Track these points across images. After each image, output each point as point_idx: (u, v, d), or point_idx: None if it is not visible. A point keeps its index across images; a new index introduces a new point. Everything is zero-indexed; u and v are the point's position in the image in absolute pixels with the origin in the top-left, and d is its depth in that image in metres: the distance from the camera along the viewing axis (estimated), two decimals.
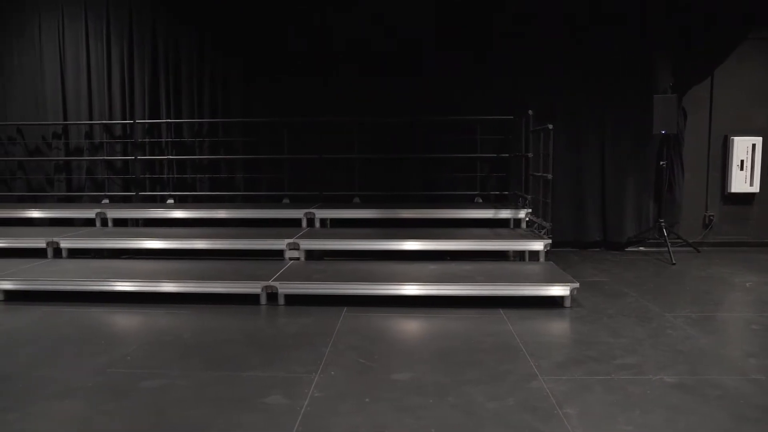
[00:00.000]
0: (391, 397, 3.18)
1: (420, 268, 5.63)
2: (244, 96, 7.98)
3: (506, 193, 7.71)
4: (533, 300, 5.04)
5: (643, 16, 7.38)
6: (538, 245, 6.00)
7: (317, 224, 6.92)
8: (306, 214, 6.92)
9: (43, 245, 6.35)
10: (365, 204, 7.46)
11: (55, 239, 6.33)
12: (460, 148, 7.66)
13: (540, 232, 6.30)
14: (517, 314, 4.75)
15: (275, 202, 7.80)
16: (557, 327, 4.51)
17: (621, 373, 3.51)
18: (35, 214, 7.43)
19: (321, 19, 7.73)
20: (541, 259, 6.00)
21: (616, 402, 3.10)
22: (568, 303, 4.98)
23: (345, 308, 4.92)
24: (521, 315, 4.74)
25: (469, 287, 5.00)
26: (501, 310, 4.85)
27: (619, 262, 6.92)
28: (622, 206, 7.59)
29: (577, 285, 4.98)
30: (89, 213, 7.25)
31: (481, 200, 7.68)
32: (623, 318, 4.66)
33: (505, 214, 6.87)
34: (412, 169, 7.83)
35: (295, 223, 6.97)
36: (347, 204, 7.47)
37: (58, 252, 6.35)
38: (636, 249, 7.69)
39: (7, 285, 5.30)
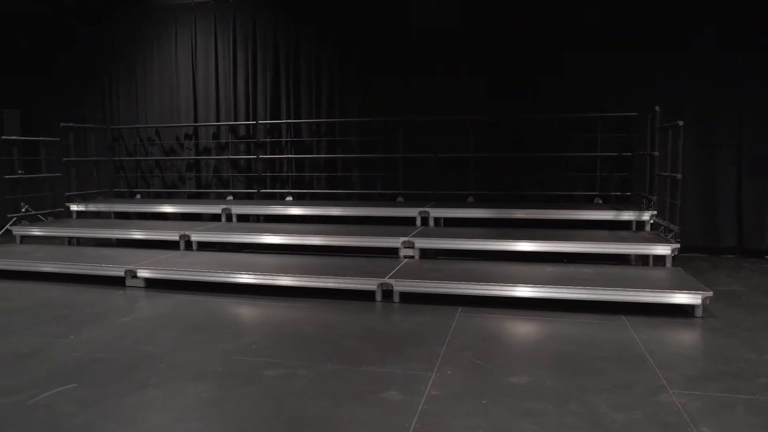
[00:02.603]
0: (509, 401, 3.11)
1: (536, 269, 5.48)
2: (361, 96, 8.17)
3: (628, 194, 7.31)
4: (659, 308, 4.73)
5: None
6: (664, 249, 5.63)
7: (431, 223, 6.94)
8: (420, 212, 6.96)
9: (176, 238, 6.86)
10: (479, 203, 7.38)
11: (187, 233, 6.81)
12: (580, 147, 7.37)
13: (666, 235, 5.91)
14: (642, 322, 4.49)
15: (390, 201, 7.91)
16: (688, 338, 4.21)
17: (767, 393, 3.21)
18: (169, 209, 8.05)
19: (440, 20, 7.72)
20: (668, 264, 5.63)
21: (763, 425, 2.83)
22: (699, 313, 4.62)
23: (459, 308, 4.88)
24: (646, 323, 4.47)
25: (589, 291, 4.79)
26: (624, 317, 4.60)
27: (758, 271, 6.34)
28: (763, 209, 6.94)
29: (710, 293, 4.61)
30: (216, 209, 7.74)
31: (600, 201, 7.34)
32: (766, 333, 4.26)
33: (627, 215, 6.51)
34: (529, 169, 7.64)
35: (409, 221, 7.02)
36: (461, 203, 7.43)
37: (188, 244, 6.82)
38: None
39: (147, 273, 5.78)
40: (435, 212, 6.96)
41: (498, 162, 7.66)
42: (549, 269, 5.49)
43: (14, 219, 8.09)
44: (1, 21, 9.60)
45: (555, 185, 7.54)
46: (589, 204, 7.24)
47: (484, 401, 3.11)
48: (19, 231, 7.62)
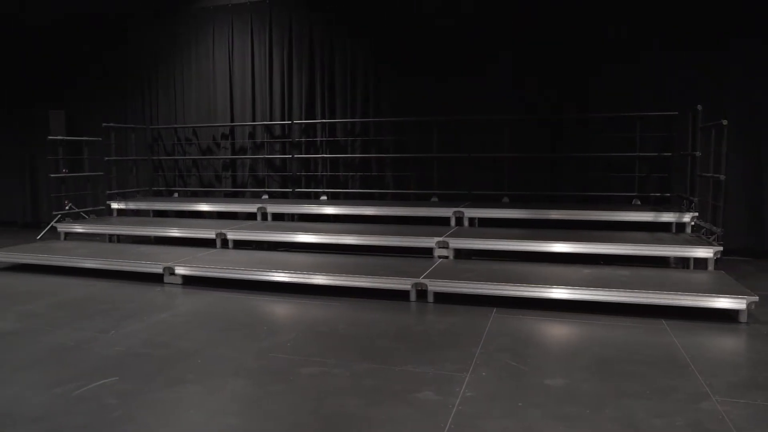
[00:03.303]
0: (545, 404, 3.08)
1: (572, 271, 5.40)
2: (396, 96, 8.16)
3: (668, 195, 7.14)
4: (701, 312, 4.61)
5: None
6: (705, 252, 5.48)
7: (466, 223, 6.91)
8: (455, 212, 6.93)
9: (213, 236, 6.97)
10: (514, 204, 7.30)
11: (223, 231, 6.92)
12: (618, 147, 7.23)
13: (708, 238, 5.76)
14: (683, 326, 4.38)
15: (424, 201, 7.90)
16: (731, 344, 4.09)
17: None
18: (205, 207, 8.18)
19: (473, 20, 7.68)
20: (710, 267, 5.48)
21: None
22: (744, 318, 4.49)
23: (494, 309, 4.85)
24: (687, 327, 4.36)
25: (627, 294, 4.69)
26: (663, 321, 4.50)
27: None
28: None
29: (755, 298, 4.47)
30: (251, 208, 7.83)
31: (639, 202, 7.19)
32: None
33: (666, 217, 6.36)
34: (565, 169, 7.53)
35: (444, 221, 7.00)
36: (496, 203, 7.36)
37: (225, 243, 6.93)
38: None
39: (185, 271, 5.90)
40: (469, 212, 6.92)
41: (534, 162, 7.57)
42: (586, 271, 5.41)
43: (58, 216, 8.34)
44: (46, 25, 9.91)
45: (592, 186, 7.41)
46: (627, 205, 7.09)
47: (520, 404, 3.08)
48: (63, 228, 7.87)
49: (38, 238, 8.55)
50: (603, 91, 7.27)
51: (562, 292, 4.84)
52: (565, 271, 5.40)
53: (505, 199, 7.55)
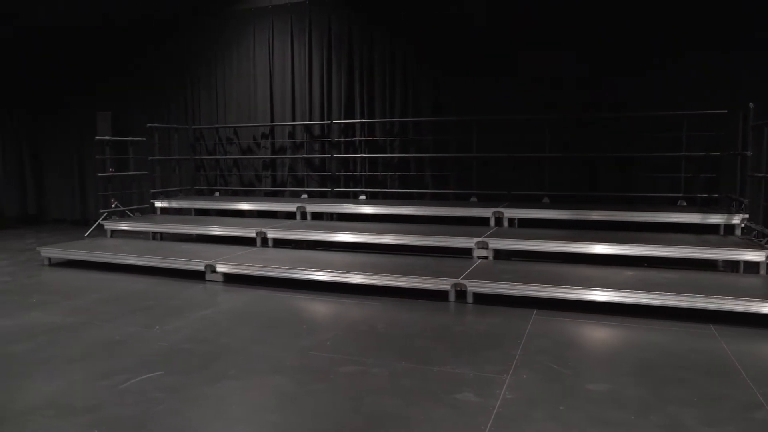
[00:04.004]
0: (587, 408, 3.02)
1: (615, 273, 5.28)
2: (435, 95, 8.13)
3: (716, 196, 6.92)
4: (752, 318, 4.44)
5: None
6: (757, 255, 5.29)
7: (505, 224, 6.83)
8: (494, 213, 6.86)
9: (253, 235, 7.07)
10: (555, 204, 7.19)
11: (263, 230, 7.01)
12: (662, 147, 7.04)
13: (760, 240, 5.56)
14: (733, 332, 4.24)
15: (463, 201, 7.85)
16: None
17: None
18: (245, 206, 8.30)
19: (515, 18, 7.60)
20: (762, 271, 5.28)
21: None
22: None
23: (535, 310, 4.78)
24: (738, 333, 4.21)
25: (673, 297, 4.56)
26: (711, 326, 4.36)
27: None
28: None
29: None
30: (291, 207, 7.92)
31: (685, 203, 6.99)
32: None
33: (714, 219, 6.17)
34: (607, 169, 7.37)
35: (483, 221, 6.94)
36: (536, 204, 7.26)
37: (265, 241, 7.02)
38: None
39: (226, 269, 5.99)
40: (509, 213, 6.84)
41: (575, 162, 7.44)
42: (629, 273, 5.28)
43: (105, 214, 8.58)
44: (91, 28, 10.20)
45: (635, 186, 7.24)
46: (672, 206, 6.90)
47: (561, 407, 3.03)
48: (109, 226, 8.10)
49: (86, 235, 8.82)
50: (648, 90, 7.09)
51: (604, 294, 4.74)
52: (607, 273, 5.29)
53: (546, 200, 7.44)
